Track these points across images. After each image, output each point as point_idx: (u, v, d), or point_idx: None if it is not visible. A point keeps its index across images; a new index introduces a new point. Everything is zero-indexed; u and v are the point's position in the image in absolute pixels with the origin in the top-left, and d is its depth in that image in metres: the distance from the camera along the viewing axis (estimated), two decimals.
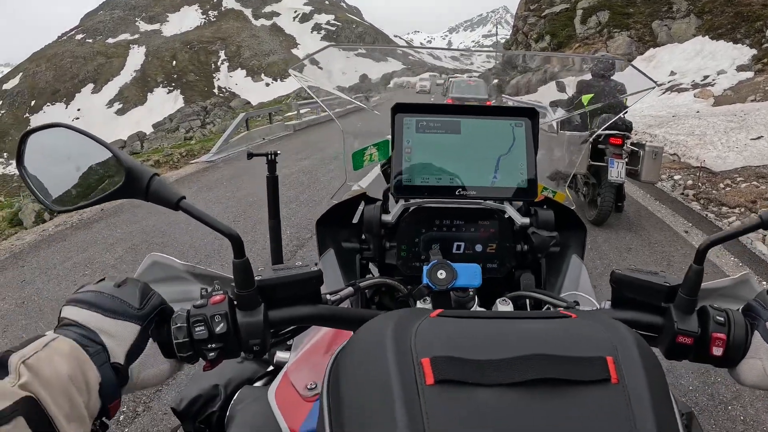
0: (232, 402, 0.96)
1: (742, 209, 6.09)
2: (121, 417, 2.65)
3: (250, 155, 2.25)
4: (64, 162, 0.70)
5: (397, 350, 0.54)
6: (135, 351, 0.63)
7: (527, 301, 1.06)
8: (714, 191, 6.85)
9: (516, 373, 0.52)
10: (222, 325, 0.67)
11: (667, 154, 8.83)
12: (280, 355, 1.18)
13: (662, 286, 0.75)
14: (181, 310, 0.69)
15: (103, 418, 0.60)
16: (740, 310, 0.75)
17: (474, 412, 0.49)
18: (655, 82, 1.30)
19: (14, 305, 4.07)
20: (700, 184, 7.24)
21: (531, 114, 1.10)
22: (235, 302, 0.71)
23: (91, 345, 0.59)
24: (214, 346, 0.68)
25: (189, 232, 5.73)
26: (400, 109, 1.10)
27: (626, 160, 5.24)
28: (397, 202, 1.15)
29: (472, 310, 0.86)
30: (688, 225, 5.61)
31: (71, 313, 0.62)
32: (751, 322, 0.72)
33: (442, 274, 0.79)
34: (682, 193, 6.99)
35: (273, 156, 2.25)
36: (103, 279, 0.68)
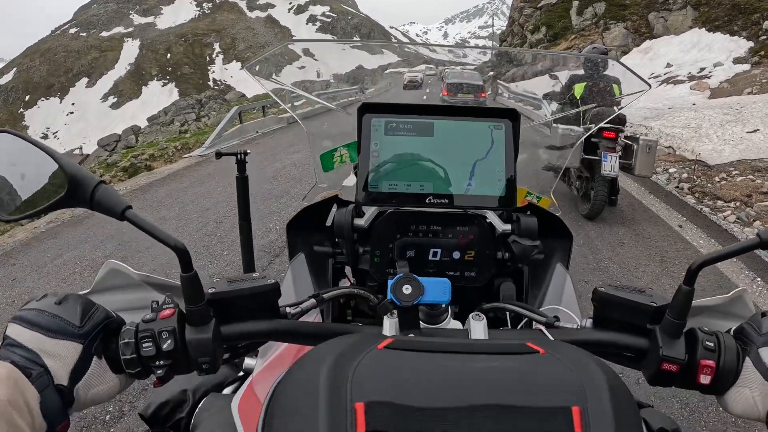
0: (197, 409, 0.94)
1: (738, 203, 6.07)
2: (108, 417, 2.63)
3: (219, 155, 2.21)
4: (7, 170, 0.67)
5: (331, 393, 0.49)
6: (79, 371, 0.61)
7: (507, 313, 1.01)
8: (709, 185, 6.82)
9: (463, 427, 0.47)
10: (169, 342, 0.64)
11: (662, 146, 8.80)
12: (249, 361, 1.15)
13: (648, 307, 0.70)
14: (130, 324, 0.67)
15: None
16: (731, 332, 0.70)
17: None
18: (648, 83, 1.23)
19: (5, 303, 4.05)
20: (695, 177, 7.22)
21: (512, 115, 1.02)
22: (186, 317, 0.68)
23: (34, 368, 0.57)
24: (162, 363, 0.65)
25: (179, 228, 5.69)
26: (368, 109, 1.02)
27: (620, 153, 5.20)
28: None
29: (440, 326, 0.82)
30: (682, 219, 5.59)
31: (14, 332, 0.60)
32: (743, 347, 0.67)
33: (407, 290, 0.72)
34: (677, 187, 6.96)
35: (242, 156, 2.22)
36: (46, 295, 0.66)
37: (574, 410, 0.49)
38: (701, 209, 5.99)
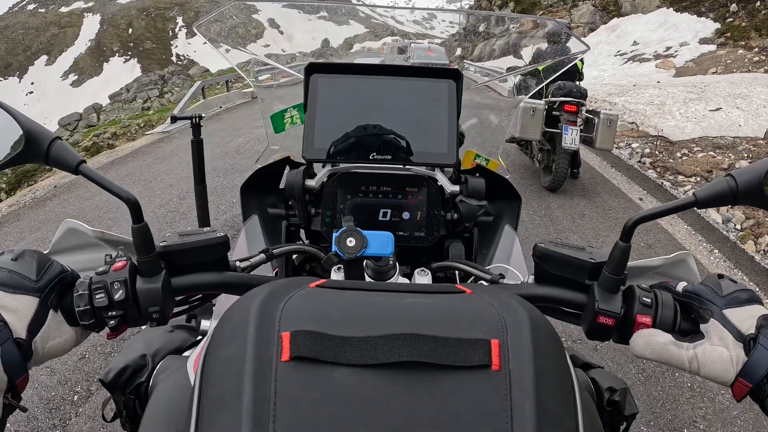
0: (155, 371, 0.94)
1: (698, 178, 6.22)
2: (76, 397, 2.58)
3: (174, 119, 2.28)
4: None
5: (260, 323, 0.51)
6: (36, 324, 0.63)
7: (456, 272, 1.02)
8: (671, 160, 6.97)
9: (380, 353, 0.49)
10: (121, 292, 0.66)
11: (626, 122, 8.94)
12: (206, 324, 1.17)
13: (586, 263, 0.71)
14: (85, 278, 0.68)
15: (13, 393, 0.60)
16: (683, 291, 0.69)
17: (328, 393, 0.46)
18: (587, 45, 1.28)
19: None
20: (657, 152, 7.36)
21: (455, 75, 1.06)
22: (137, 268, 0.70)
23: None
24: (114, 313, 0.66)
25: (142, 205, 5.56)
26: (315, 68, 1.05)
27: (581, 127, 5.26)
28: (311, 165, 1.12)
29: (390, 281, 0.83)
30: (643, 192, 5.71)
31: None
32: (701, 307, 0.65)
33: (351, 242, 0.74)
34: (639, 161, 7.09)
35: (198, 119, 2.26)
36: (2, 252, 0.66)
37: (493, 342, 0.50)
38: (662, 183, 6.12)
